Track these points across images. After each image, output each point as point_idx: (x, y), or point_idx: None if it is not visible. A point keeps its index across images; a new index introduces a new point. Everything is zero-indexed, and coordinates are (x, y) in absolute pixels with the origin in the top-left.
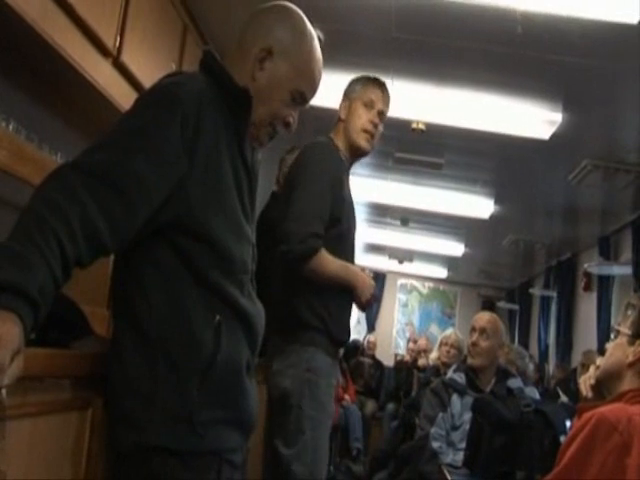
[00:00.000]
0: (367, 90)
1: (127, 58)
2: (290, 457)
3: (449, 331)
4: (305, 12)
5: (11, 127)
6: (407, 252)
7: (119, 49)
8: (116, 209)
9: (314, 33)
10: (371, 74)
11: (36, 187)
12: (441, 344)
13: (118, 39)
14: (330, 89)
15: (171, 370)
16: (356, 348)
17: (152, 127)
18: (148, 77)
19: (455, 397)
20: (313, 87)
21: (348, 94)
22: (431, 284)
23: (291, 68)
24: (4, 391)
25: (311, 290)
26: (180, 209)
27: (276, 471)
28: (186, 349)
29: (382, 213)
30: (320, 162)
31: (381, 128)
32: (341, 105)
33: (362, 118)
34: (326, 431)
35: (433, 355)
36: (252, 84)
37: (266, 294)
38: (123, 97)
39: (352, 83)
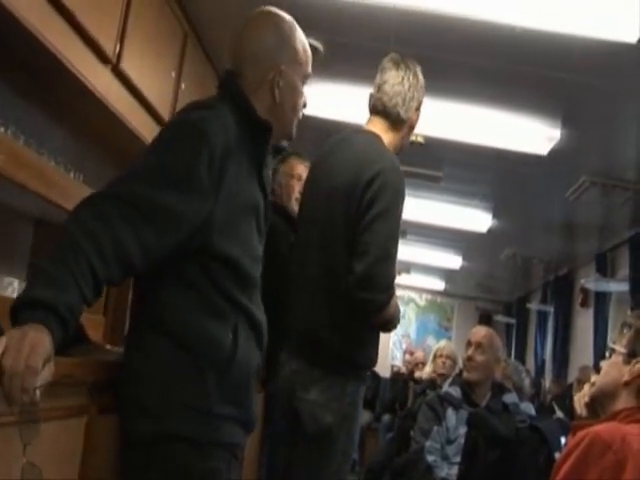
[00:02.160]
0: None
1: (127, 65)
2: None
3: (442, 342)
4: (305, 24)
5: (9, 132)
6: (405, 264)
7: (119, 56)
8: (147, 236)
9: (288, 17)
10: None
11: (70, 213)
12: (435, 356)
13: (118, 46)
14: (329, 100)
15: (192, 365)
16: None
17: (183, 165)
18: (147, 84)
19: (450, 411)
20: (310, 59)
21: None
22: (428, 296)
23: (295, 66)
24: (38, 392)
25: (367, 330)
26: (206, 238)
27: None
28: (207, 347)
29: None
30: (398, 188)
31: None
32: (414, 111)
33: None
34: (348, 464)
35: (427, 369)
36: (275, 106)
37: (265, 305)
38: (122, 104)
39: (422, 85)
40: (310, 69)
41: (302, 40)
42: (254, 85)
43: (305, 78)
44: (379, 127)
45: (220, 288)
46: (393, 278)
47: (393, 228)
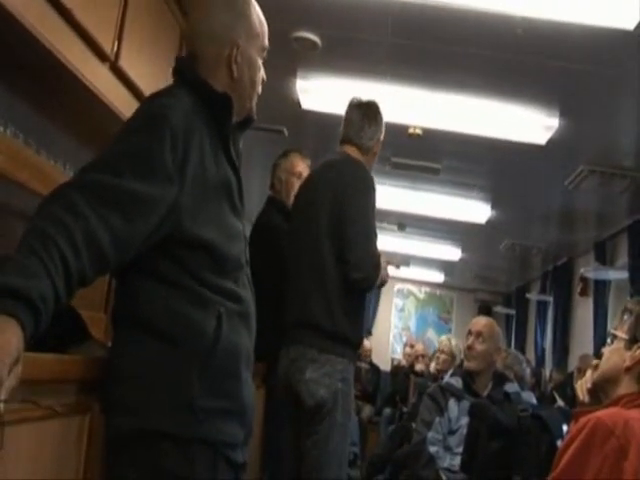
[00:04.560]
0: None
1: (125, 63)
2: (321, 457)
3: (442, 338)
4: (302, 18)
5: (9, 132)
6: (404, 257)
7: (117, 54)
8: (117, 225)
9: None
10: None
11: (38, 205)
12: (438, 351)
13: (116, 44)
14: (328, 94)
15: (173, 356)
16: None
17: (146, 150)
18: (145, 82)
19: (452, 401)
20: (266, 30)
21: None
22: (428, 289)
23: (252, 40)
24: (2, 405)
25: (355, 312)
26: (174, 223)
27: (306, 470)
28: (188, 338)
29: (379, 218)
30: (368, 186)
31: None
32: (375, 141)
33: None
34: (349, 435)
35: (433, 364)
36: (233, 82)
37: (260, 294)
38: (121, 102)
39: (380, 120)
40: (267, 41)
41: (257, 12)
42: (211, 64)
43: (262, 51)
44: (350, 150)
45: (198, 278)
46: (378, 256)
47: (370, 219)
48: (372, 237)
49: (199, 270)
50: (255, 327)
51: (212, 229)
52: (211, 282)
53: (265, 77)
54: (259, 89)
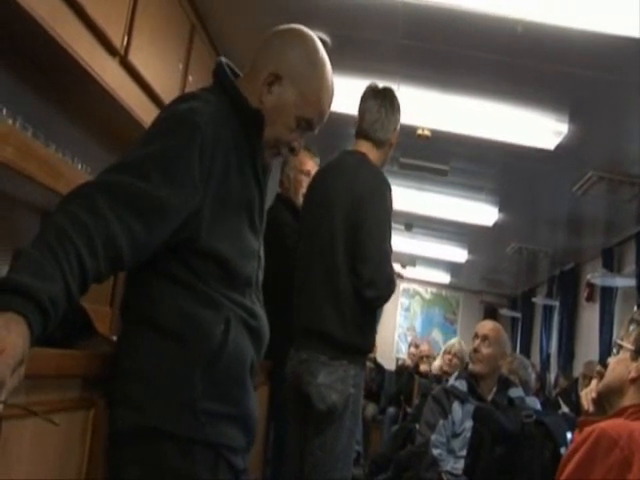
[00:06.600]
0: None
1: (134, 57)
2: (327, 460)
3: (453, 340)
4: (313, 17)
5: (18, 124)
6: (410, 257)
7: (126, 48)
8: (137, 229)
9: (327, 61)
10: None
11: (59, 203)
12: (444, 352)
13: (126, 38)
14: (336, 93)
15: (179, 356)
16: None
17: (174, 156)
18: (155, 76)
19: (456, 404)
20: (320, 115)
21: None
22: (434, 289)
23: (299, 95)
24: (1, 407)
25: (366, 319)
26: (192, 231)
27: (310, 471)
28: (195, 339)
29: None
30: (386, 196)
31: None
32: (392, 132)
33: None
34: (355, 438)
35: (436, 363)
36: (259, 106)
37: (271, 295)
38: (130, 96)
39: (397, 108)
40: (313, 118)
41: (325, 87)
42: (251, 79)
43: (302, 120)
44: (365, 147)
45: (208, 284)
46: (393, 273)
47: (387, 230)
48: (387, 250)
49: (209, 279)
50: (266, 346)
51: (227, 244)
52: (220, 291)
53: (297, 147)
54: (283, 149)
